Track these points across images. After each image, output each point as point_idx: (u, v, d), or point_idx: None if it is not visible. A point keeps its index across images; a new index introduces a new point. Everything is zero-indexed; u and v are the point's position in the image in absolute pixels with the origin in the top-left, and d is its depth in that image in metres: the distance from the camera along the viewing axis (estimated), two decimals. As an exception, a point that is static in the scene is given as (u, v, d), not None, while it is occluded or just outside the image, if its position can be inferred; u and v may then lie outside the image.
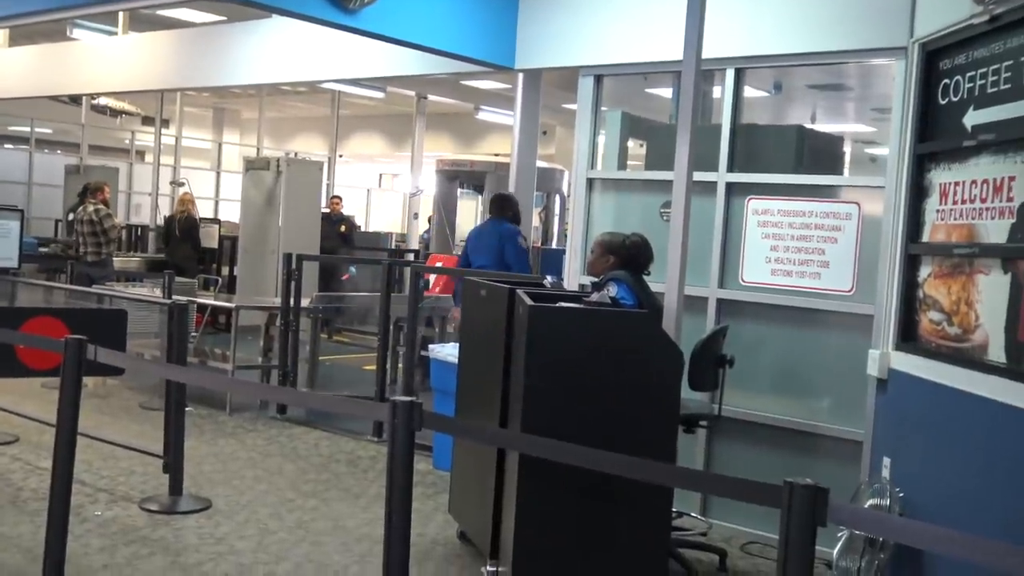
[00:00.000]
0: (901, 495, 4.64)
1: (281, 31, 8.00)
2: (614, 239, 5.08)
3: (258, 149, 21.74)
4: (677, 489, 4.53)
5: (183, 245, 13.09)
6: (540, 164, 10.48)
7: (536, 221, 14.67)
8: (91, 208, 11.06)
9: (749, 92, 6.41)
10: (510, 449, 4.21)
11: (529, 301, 3.89)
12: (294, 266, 8.25)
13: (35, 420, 6.36)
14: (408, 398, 2.83)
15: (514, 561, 3.87)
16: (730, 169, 5.80)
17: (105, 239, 11.08)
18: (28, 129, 19.54)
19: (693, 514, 5.71)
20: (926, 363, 4.58)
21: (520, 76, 7.35)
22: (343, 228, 15.48)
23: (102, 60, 9.94)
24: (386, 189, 28.85)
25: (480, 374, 4.77)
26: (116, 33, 10.29)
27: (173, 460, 5.58)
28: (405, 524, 2.86)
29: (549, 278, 5.68)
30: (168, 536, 5.07)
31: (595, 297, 4.53)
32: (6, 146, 20.39)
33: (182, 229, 13.17)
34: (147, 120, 20.23)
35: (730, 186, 5.79)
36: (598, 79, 6.45)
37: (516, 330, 4.05)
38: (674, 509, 5.27)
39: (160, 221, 16.88)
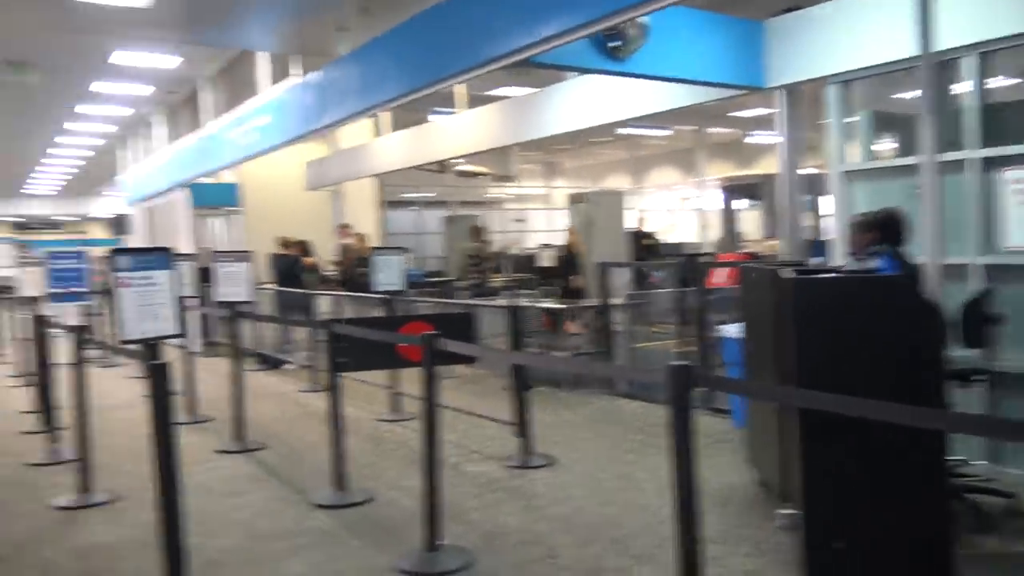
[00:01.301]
0: None
1: (574, 90, 8.01)
2: (867, 217, 4.49)
3: (579, 189, 22.13)
4: (963, 440, 3.88)
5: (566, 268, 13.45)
6: (810, 171, 9.81)
7: (809, 220, 13.76)
8: (472, 245, 11.86)
9: (999, 77, 5.49)
10: (766, 400, 3.84)
11: (790, 275, 3.50)
12: (603, 272, 8.22)
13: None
14: (682, 362, 2.60)
15: (804, 503, 3.47)
16: (982, 146, 4.96)
17: (483, 267, 11.81)
18: (415, 195, 21.25)
19: (980, 462, 4.89)
20: None
21: (777, 95, 6.77)
22: (648, 241, 15.29)
23: (451, 133, 10.49)
24: (682, 209, 28.31)
25: (758, 345, 4.39)
26: (455, 112, 10.83)
27: (521, 427, 5.65)
28: (688, 462, 2.61)
29: (814, 260, 5.14)
30: (522, 485, 5.12)
31: (852, 266, 4.02)
32: (401, 209, 22.22)
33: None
34: (496, 178, 21.27)
35: (984, 161, 4.95)
36: (844, 84, 5.81)
37: (782, 302, 3.66)
38: (960, 457, 4.55)
39: (511, 252, 17.67)
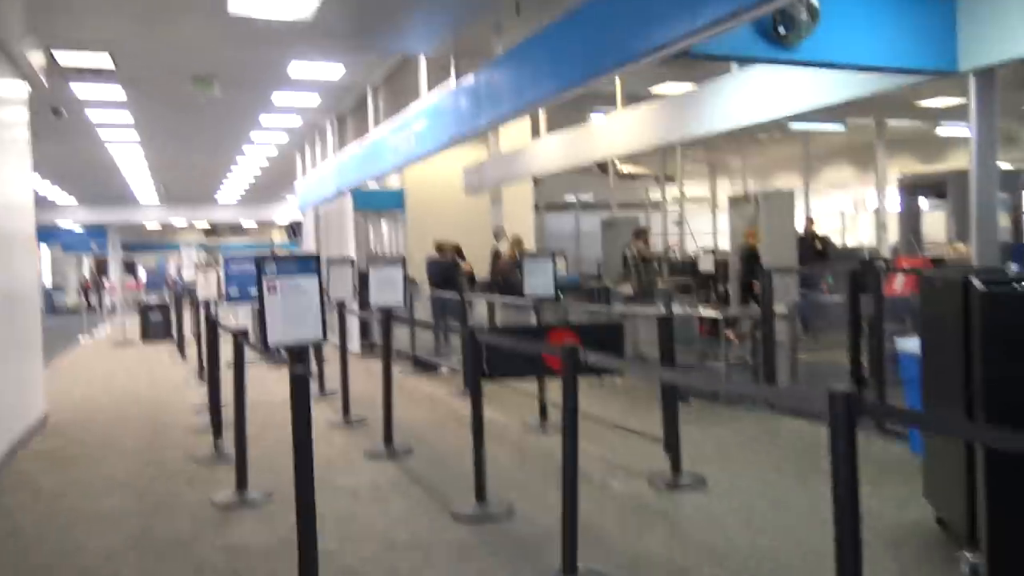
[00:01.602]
0: None
1: (739, 83, 7.56)
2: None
3: (744, 189, 21.22)
4: None
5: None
6: (1007, 167, 8.82)
7: (1005, 221, 12.44)
8: (634, 246, 11.46)
9: None
10: (945, 435, 3.33)
11: (981, 287, 3.03)
12: (767, 278, 7.72)
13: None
14: (844, 389, 2.26)
15: (989, 553, 3.00)
16: None
17: (644, 270, 11.30)
18: (573, 199, 21.15)
19: None
20: None
21: (971, 80, 6.05)
22: (819, 245, 14.38)
23: (609, 133, 10.25)
24: (859, 210, 26.51)
25: (941, 363, 3.88)
26: (612, 112, 10.54)
27: (671, 443, 5.35)
28: (851, 495, 2.27)
29: (1013, 266, 4.50)
30: (669, 508, 4.84)
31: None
32: (560, 213, 22.19)
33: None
34: (657, 179, 20.76)
35: None
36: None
37: (971, 317, 3.18)
38: None
39: (675, 255, 17.28)
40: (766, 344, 7.79)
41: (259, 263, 3.60)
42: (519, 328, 6.44)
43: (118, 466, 6.32)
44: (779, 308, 8.08)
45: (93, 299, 24.83)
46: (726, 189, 24.47)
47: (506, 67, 7.26)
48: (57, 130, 14.50)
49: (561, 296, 7.65)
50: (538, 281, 7.27)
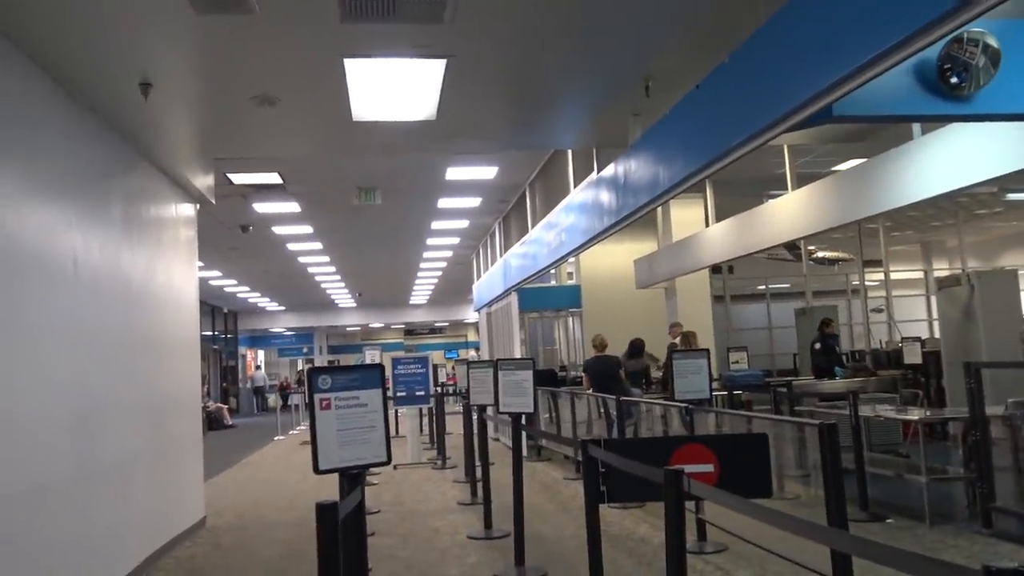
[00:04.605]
0: None
1: (940, 146, 6.55)
2: None
3: (963, 270, 18.98)
4: None
5: None
6: None
7: None
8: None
9: None
10: None
11: None
12: (976, 373, 6.50)
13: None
14: None
15: None
16: None
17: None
18: (764, 287, 19.95)
19: None
20: None
21: None
22: (1056, 331, 12.32)
23: (788, 214, 9.33)
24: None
25: None
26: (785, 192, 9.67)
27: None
28: None
29: None
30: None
31: None
32: (748, 303, 20.97)
33: None
34: (868, 263, 19.09)
35: None
36: None
37: None
38: None
39: (872, 346, 15.74)
40: (980, 454, 6.52)
41: (311, 376, 3.29)
42: (642, 441, 5.72)
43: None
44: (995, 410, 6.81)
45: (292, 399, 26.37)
46: (942, 271, 22.10)
47: (638, 155, 6.79)
48: (253, 245, 15.66)
49: (711, 399, 6.83)
50: (689, 382, 6.55)
